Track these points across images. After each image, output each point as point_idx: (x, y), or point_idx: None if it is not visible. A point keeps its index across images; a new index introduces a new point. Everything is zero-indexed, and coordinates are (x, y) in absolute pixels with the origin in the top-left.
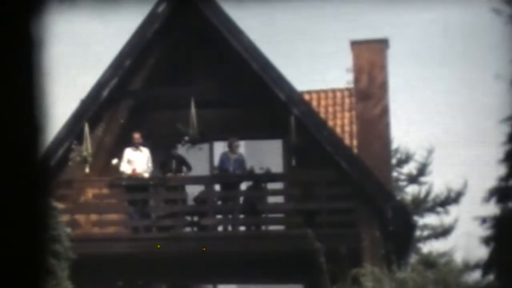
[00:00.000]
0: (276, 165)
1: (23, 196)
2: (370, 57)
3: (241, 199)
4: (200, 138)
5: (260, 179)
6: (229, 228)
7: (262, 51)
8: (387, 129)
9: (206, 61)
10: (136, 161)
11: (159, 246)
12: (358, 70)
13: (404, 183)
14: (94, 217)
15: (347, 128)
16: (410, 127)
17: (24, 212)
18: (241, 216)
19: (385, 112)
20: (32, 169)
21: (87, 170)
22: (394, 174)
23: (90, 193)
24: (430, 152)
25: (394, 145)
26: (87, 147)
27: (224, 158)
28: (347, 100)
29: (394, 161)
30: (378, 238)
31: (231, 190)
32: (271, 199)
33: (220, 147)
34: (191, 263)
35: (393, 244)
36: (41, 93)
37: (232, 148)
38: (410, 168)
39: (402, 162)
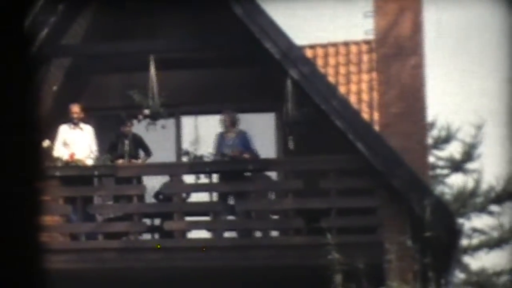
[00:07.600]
0: (267, 148)
1: None
2: None
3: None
4: (163, 112)
5: (246, 168)
6: (205, 235)
7: None
8: (424, 98)
9: (171, 5)
10: (75, 142)
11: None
12: (382, 14)
13: (444, 172)
14: None
15: (365, 96)
16: (450, 93)
17: None
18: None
19: (421, 73)
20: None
21: None
22: (431, 159)
23: None
24: (479, 128)
25: (428, 118)
26: None
27: (219, 140)
28: (365, 57)
29: (429, 140)
30: (409, 248)
31: (231, 181)
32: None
33: (190, 123)
34: (151, 283)
35: (430, 257)
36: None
37: (227, 124)
38: (451, 150)
39: (441, 142)
